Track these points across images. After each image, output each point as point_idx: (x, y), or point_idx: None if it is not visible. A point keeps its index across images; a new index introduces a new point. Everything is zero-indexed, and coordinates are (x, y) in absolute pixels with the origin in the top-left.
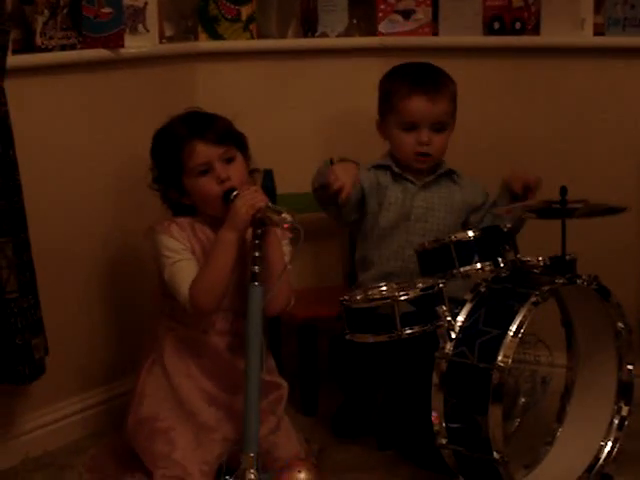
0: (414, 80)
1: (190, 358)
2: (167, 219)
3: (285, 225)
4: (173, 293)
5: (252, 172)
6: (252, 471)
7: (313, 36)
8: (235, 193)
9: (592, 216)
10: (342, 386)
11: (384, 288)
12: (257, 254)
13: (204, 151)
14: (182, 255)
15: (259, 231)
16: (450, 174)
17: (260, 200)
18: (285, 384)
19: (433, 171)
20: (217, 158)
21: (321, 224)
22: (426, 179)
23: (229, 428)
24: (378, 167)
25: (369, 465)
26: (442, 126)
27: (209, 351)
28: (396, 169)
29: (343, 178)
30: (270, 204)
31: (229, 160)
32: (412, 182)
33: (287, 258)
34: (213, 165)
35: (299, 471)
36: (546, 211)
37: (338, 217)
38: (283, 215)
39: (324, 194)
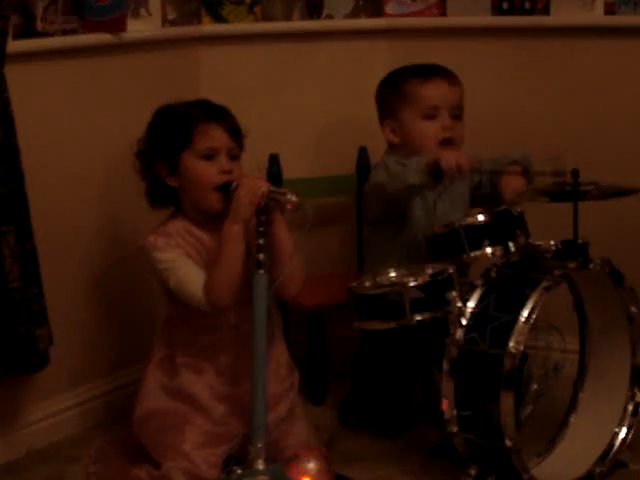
0: (424, 68)
1: (204, 357)
2: (152, 233)
3: (290, 205)
4: (185, 299)
5: None
6: (260, 461)
7: (318, 18)
8: (235, 185)
9: (604, 198)
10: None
11: (393, 274)
12: (261, 242)
13: (219, 136)
14: (181, 261)
15: (263, 218)
16: None
17: (262, 186)
18: (296, 370)
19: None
20: (226, 149)
21: (328, 210)
22: (439, 188)
23: (239, 423)
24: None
25: (378, 454)
26: (460, 112)
27: (223, 346)
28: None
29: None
30: (272, 187)
31: (234, 157)
32: (429, 190)
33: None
34: (220, 154)
35: (308, 461)
36: (558, 194)
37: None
38: (288, 196)
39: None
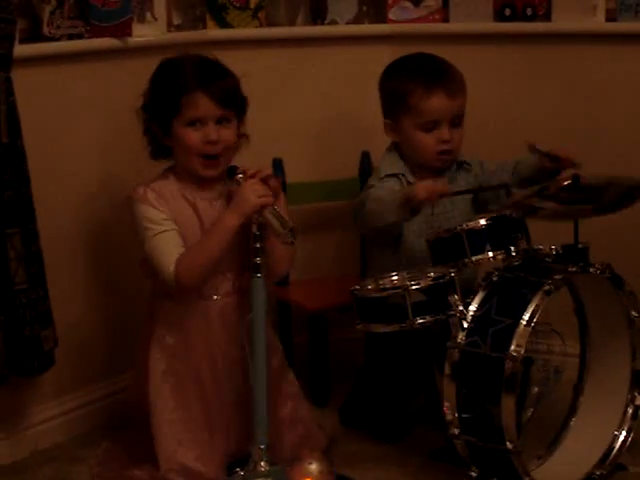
0: (429, 78)
1: (196, 331)
2: (142, 184)
3: (283, 238)
4: (154, 267)
5: (240, 137)
6: (262, 463)
7: (322, 24)
8: (240, 175)
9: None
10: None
11: (395, 277)
12: (258, 245)
13: (204, 105)
14: (164, 226)
15: (259, 217)
16: (462, 165)
17: (268, 196)
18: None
19: (446, 169)
20: (213, 117)
21: (331, 214)
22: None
23: (240, 423)
24: (391, 176)
25: (379, 456)
26: (460, 120)
27: (217, 316)
28: (411, 179)
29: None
30: (276, 208)
31: (222, 121)
32: None
33: None
34: (206, 122)
35: (310, 463)
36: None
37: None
38: (285, 227)
39: (402, 210)
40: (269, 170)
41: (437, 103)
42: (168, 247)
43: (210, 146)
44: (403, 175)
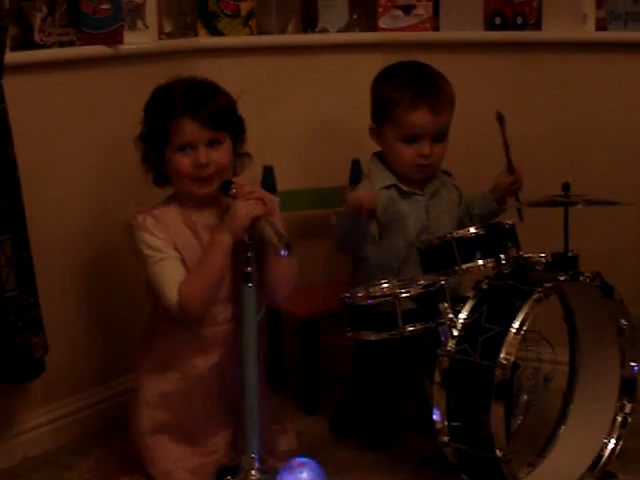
0: (417, 91)
1: (194, 357)
2: (142, 212)
3: (279, 251)
4: (158, 294)
5: (242, 156)
6: (253, 472)
7: (313, 32)
8: (234, 191)
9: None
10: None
11: (385, 285)
12: (250, 254)
13: (190, 130)
14: (163, 253)
15: (254, 231)
16: (445, 176)
17: (258, 209)
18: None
19: (431, 178)
20: (202, 141)
21: (322, 221)
22: (430, 189)
23: (230, 434)
24: (384, 189)
25: (369, 463)
26: (443, 136)
27: (214, 344)
28: (403, 187)
29: (363, 192)
30: (270, 219)
31: (214, 143)
32: (419, 194)
33: None
34: (196, 146)
35: (301, 471)
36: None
37: (363, 242)
38: (281, 239)
39: (354, 224)
40: (263, 193)
41: (420, 119)
42: (170, 275)
43: (201, 169)
44: (396, 186)
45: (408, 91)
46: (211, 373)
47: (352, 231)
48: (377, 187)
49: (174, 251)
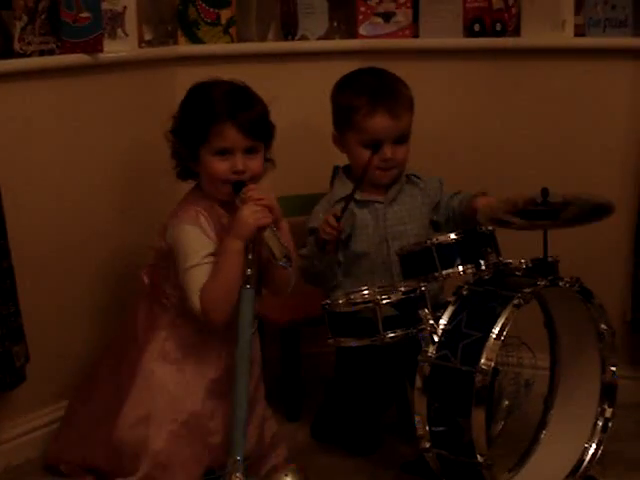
0: (374, 96)
1: (200, 354)
2: (191, 207)
3: (278, 262)
4: (185, 295)
5: (266, 161)
6: (238, 475)
7: (293, 39)
8: (243, 195)
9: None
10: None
11: (366, 292)
12: (250, 256)
13: (232, 137)
14: (201, 258)
15: (255, 235)
16: (410, 179)
17: (267, 218)
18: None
19: (395, 182)
20: (241, 148)
21: (303, 228)
22: (390, 195)
23: (221, 437)
24: (340, 201)
25: (351, 470)
26: (404, 138)
27: (221, 345)
28: (358, 197)
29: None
30: (274, 229)
31: (251, 150)
32: (379, 202)
33: None
34: (234, 152)
35: (286, 474)
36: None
37: (334, 270)
38: (277, 253)
39: (323, 251)
40: (273, 201)
41: (380, 123)
42: (199, 282)
43: (237, 175)
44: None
45: (365, 97)
46: (222, 372)
47: (322, 269)
48: (334, 198)
49: (211, 258)
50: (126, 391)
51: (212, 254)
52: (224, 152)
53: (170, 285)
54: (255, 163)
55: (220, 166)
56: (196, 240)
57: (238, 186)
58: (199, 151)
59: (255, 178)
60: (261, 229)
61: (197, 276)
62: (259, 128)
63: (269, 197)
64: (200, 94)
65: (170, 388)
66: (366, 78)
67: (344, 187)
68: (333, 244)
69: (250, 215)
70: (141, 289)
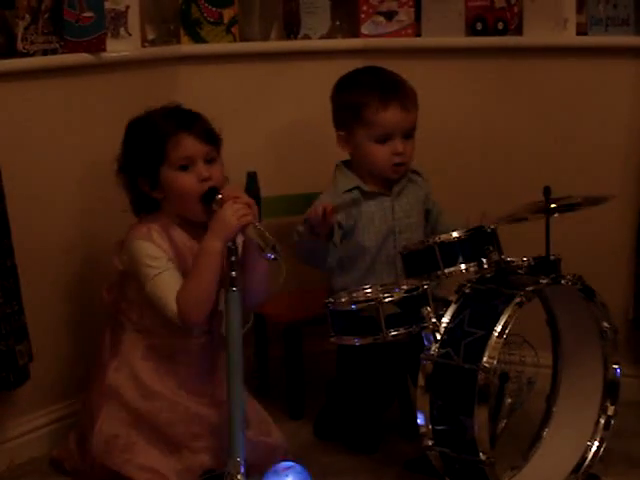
0: (384, 90)
1: (165, 367)
2: (143, 224)
3: (267, 255)
4: (158, 306)
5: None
6: (239, 476)
7: (295, 38)
8: (220, 197)
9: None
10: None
11: (369, 290)
12: (233, 258)
13: (190, 145)
14: (165, 265)
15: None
16: (413, 175)
17: (249, 215)
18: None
19: (402, 176)
20: (201, 156)
21: None
22: (396, 188)
23: (206, 440)
24: (347, 192)
25: (354, 467)
26: (412, 132)
27: (186, 356)
28: (366, 188)
29: (319, 205)
30: (258, 225)
31: (210, 161)
32: (385, 194)
33: None
34: (196, 162)
35: (287, 475)
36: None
37: (324, 259)
38: (267, 247)
39: (314, 237)
40: (249, 198)
41: (392, 116)
42: (170, 287)
43: (207, 183)
44: (358, 187)
45: (376, 92)
46: (185, 384)
47: (312, 249)
48: (340, 190)
49: (172, 264)
50: (96, 408)
51: (171, 260)
52: (185, 166)
53: (127, 303)
54: (217, 171)
55: (186, 179)
56: (152, 251)
57: (210, 193)
58: (159, 173)
59: (219, 186)
60: (245, 225)
61: (166, 282)
62: (212, 135)
63: (244, 195)
64: (141, 124)
65: (138, 404)
66: (371, 75)
67: (348, 180)
68: (323, 230)
69: (232, 214)
70: (104, 308)
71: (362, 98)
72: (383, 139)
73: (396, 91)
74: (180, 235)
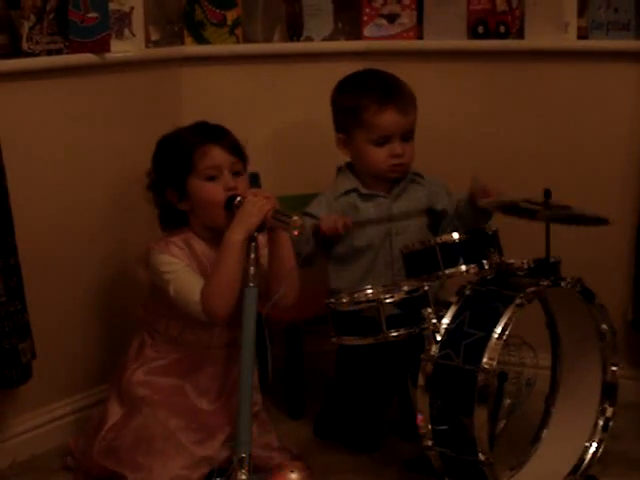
0: (383, 93)
1: (186, 378)
2: (162, 239)
3: (295, 232)
4: (182, 305)
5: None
6: (243, 472)
7: (298, 40)
8: (239, 199)
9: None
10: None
11: (370, 291)
12: (252, 255)
13: (218, 155)
14: (183, 268)
15: (256, 234)
16: (414, 177)
17: (268, 204)
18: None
19: (400, 179)
20: (228, 166)
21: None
22: (395, 191)
23: (205, 450)
24: (345, 194)
25: (354, 467)
26: (411, 135)
27: (212, 366)
28: (364, 190)
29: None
30: (279, 208)
31: (236, 173)
32: (383, 196)
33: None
34: (222, 172)
35: (292, 471)
36: (525, 211)
37: (313, 261)
38: (294, 218)
39: (321, 241)
40: (268, 193)
41: (389, 119)
42: (190, 284)
43: (232, 192)
44: (356, 189)
45: (374, 94)
46: (201, 396)
47: (310, 252)
48: (338, 192)
49: (189, 267)
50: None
51: (189, 266)
52: (213, 177)
53: (154, 315)
54: (243, 184)
55: (213, 189)
56: (169, 260)
57: (231, 199)
58: (187, 184)
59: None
60: (266, 216)
61: (187, 280)
62: (239, 148)
63: (261, 190)
64: (170, 139)
65: (156, 411)
66: (369, 78)
67: (347, 181)
68: (333, 240)
69: (252, 206)
70: (139, 323)
71: (361, 101)
72: (381, 141)
73: (394, 94)
74: (201, 246)
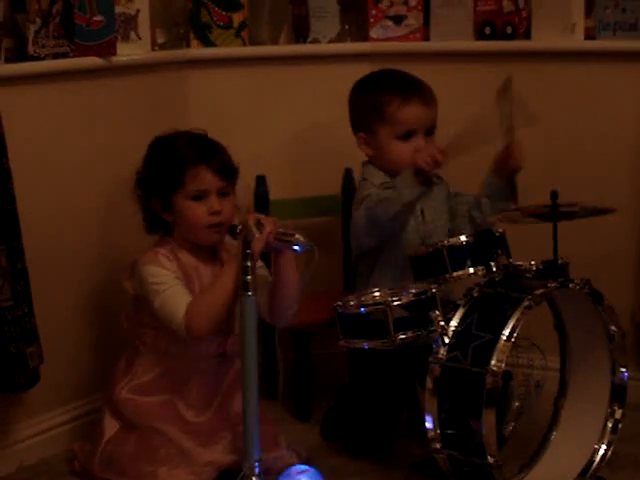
0: (405, 87)
1: (174, 392)
2: (151, 250)
3: (299, 249)
4: (165, 319)
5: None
6: (254, 478)
7: (305, 42)
8: (240, 227)
9: (585, 217)
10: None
11: (377, 294)
12: (248, 263)
13: (207, 179)
14: (172, 282)
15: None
16: (437, 177)
17: (268, 227)
18: None
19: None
20: (215, 190)
21: (314, 230)
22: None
23: (210, 454)
24: (379, 186)
25: (362, 470)
26: (433, 130)
27: (200, 377)
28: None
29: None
30: (281, 229)
31: (224, 194)
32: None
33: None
34: (209, 194)
35: (301, 478)
36: (541, 215)
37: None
38: (296, 236)
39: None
40: (260, 216)
41: (414, 112)
42: (177, 299)
43: (215, 216)
44: (386, 184)
45: (396, 89)
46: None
47: (393, 212)
48: (377, 182)
49: (180, 281)
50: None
51: (178, 278)
52: (199, 196)
53: (142, 327)
54: (228, 205)
55: (197, 210)
56: (158, 272)
57: (233, 228)
58: (172, 198)
59: (228, 221)
60: (269, 236)
61: (174, 296)
62: (229, 169)
63: (254, 214)
64: (165, 146)
65: (153, 424)
66: (388, 75)
67: (378, 175)
68: (429, 174)
69: (257, 244)
70: (123, 335)
71: (383, 96)
72: (406, 135)
73: (416, 87)
74: (187, 258)
